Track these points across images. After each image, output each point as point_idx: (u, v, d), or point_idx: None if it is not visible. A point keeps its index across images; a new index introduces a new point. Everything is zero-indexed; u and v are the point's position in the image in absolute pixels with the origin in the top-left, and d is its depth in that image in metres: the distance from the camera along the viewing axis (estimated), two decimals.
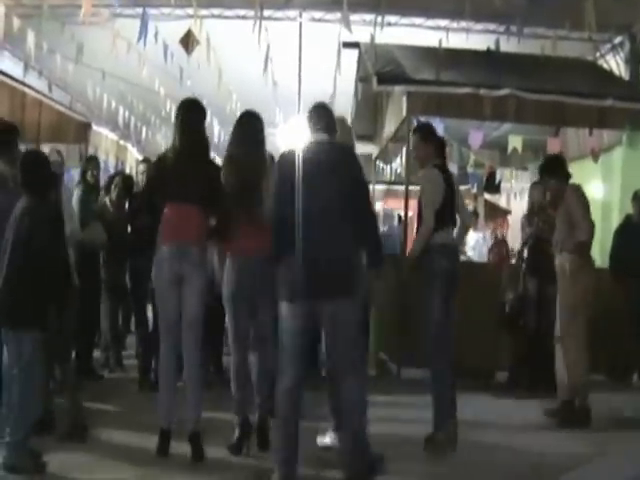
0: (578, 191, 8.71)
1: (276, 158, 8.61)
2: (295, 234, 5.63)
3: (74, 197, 9.48)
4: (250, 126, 7.07)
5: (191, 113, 6.97)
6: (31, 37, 13.26)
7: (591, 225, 8.45)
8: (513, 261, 11.84)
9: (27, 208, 5.92)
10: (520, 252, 10.59)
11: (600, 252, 12.33)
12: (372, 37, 12.54)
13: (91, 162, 10.57)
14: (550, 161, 9.43)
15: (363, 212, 5.88)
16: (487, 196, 19.41)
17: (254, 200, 6.72)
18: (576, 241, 8.36)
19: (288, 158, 5.92)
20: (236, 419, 6.80)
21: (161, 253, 6.62)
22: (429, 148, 7.57)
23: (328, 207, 5.70)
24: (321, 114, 6.12)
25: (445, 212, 7.30)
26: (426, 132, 7.79)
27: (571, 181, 8.88)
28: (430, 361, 7.37)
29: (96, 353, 10.14)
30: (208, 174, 6.72)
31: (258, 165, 6.89)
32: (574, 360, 8.38)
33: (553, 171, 8.86)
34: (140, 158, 19.84)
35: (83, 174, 10.21)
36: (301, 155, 5.85)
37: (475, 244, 15.62)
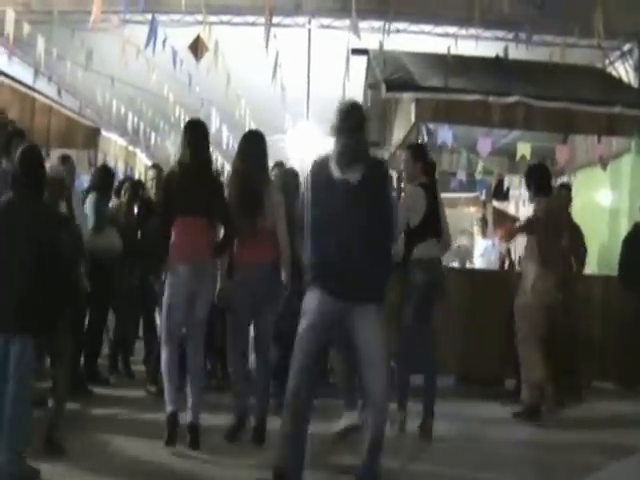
0: (549, 204, 9.05)
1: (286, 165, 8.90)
2: None
3: (88, 203, 9.49)
4: (254, 142, 7.51)
5: (197, 132, 7.35)
6: (41, 43, 13.30)
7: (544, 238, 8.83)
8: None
9: (34, 209, 5.92)
10: None
11: (609, 260, 12.33)
12: (381, 44, 12.56)
13: (105, 172, 10.52)
14: (531, 170, 9.59)
15: None
16: (495, 203, 19.38)
17: (257, 210, 7.20)
18: (538, 252, 8.76)
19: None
20: (234, 410, 7.41)
21: (177, 271, 6.97)
22: (417, 167, 8.10)
23: None
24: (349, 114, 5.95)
25: (426, 227, 7.83)
26: (416, 152, 8.32)
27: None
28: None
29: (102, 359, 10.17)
30: (214, 187, 7.19)
31: (261, 177, 7.37)
32: (526, 363, 8.80)
33: (531, 180, 9.19)
34: (149, 164, 19.89)
35: (97, 181, 10.10)
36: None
37: (484, 251, 15.59)
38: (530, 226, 9.04)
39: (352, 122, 5.80)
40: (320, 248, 5.71)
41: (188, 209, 6.97)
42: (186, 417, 6.95)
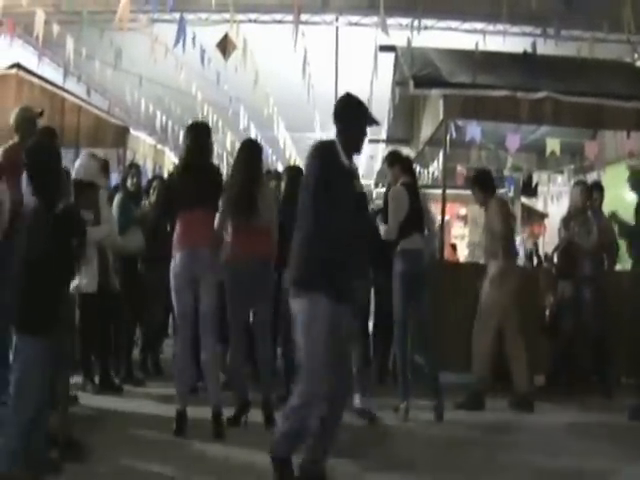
0: (499, 203, 9.54)
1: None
2: None
3: (114, 203, 9.56)
4: (251, 151, 8.16)
5: (201, 133, 7.82)
6: (70, 43, 13.40)
7: (506, 233, 9.31)
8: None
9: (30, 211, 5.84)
10: (551, 256, 10.58)
11: (637, 256, 12.24)
12: (409, 41, 12.55)
13: (132, 169, 10.54)
14: (479, 175, 9.95)
15: None
16: (524, 199, 19.31)
17: (250, 209, 7.79)
18: (498, 248, 9.19)
19: None
20: (236, 397, 7.89)
21: (178, 258, 7.45)
22: (395, 171, 8.90)
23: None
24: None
25: (409, 223, 8.44)
26: (390, 159, 9.15)
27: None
28: None
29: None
30: (216, 182, 7.71)
31: (256, 180, 7.95)
32: (480, 353, 9.15)
33: (481, 184, 9.58)
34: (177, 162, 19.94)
35: (123, 181, 10.25)
36: None
37: None
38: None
39: (366, 114, 6.00)
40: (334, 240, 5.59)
41: (189, 203, 7.42)
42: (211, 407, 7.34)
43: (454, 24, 14.96)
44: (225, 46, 12.22)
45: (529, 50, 13.03)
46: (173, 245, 7.48)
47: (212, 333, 7.52)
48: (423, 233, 8.65)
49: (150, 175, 16.01)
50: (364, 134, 5.99)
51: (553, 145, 12.61)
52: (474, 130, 12.60)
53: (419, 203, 8.63)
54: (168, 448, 6.93)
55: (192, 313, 7.51)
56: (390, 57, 13.44)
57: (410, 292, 8.37)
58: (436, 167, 17.57)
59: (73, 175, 7.28)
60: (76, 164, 7.66)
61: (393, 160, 9.04)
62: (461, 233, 21.43)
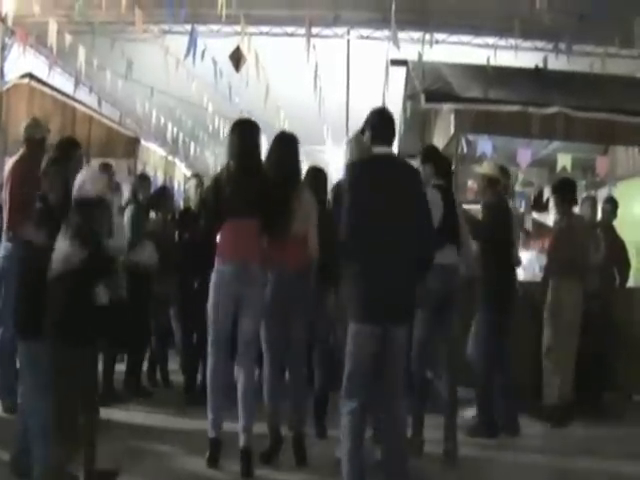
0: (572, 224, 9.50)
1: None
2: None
3: (125, 216, 9.49)
4: (288, 149, 7.25)
5: (247, 131, 7.06)
6: (82, 53, 13.42)
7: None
8: None
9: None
10: None
11: None
12: (420, 55, 12.53)
13: (143, 182, 10.44)
14: (560, 183, 9.85)
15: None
16: (535, 215, 19.24)
17: (285, 217, 6.90)
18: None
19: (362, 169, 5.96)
20: (269, 430, 7.00)
21: (221, 271, 6.76)
22: (427, 169, 7.67)
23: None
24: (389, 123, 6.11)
25: (442, 232, 7.05)
26: (424, 155, 7.99)
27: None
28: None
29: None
30: (264, 189, 6.84)
31: (291, 185, 7.08)
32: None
33: (561, 193, 9.59)
34: (188, 174, 19.98)
35: (134, 193, 10.09)
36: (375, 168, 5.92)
37: (528, 263, 15.43)
38: None
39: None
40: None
41: (237, 211, 6.77)
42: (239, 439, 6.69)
43: (466, 38, 14.93)
44: (237, 58, 12.22)
45: (541, 65, 13.02)
46: (216, 257, 6.83)
47: (252, 361, 6.91)
48: (458, 246, 7.62)
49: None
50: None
51: (564, 160, 12.57)
52: (485, 145, 12.56)
53: (453, 211, 7.58)
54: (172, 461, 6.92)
55: (229, 334, 6.88)
56: (401, 71, 13.42)
57: (437, 310, 7.35)
58: None
59: (74, 192, 6.47)
60: (78, 179, 6.28)
61: (426, 157, 7.90)
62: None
